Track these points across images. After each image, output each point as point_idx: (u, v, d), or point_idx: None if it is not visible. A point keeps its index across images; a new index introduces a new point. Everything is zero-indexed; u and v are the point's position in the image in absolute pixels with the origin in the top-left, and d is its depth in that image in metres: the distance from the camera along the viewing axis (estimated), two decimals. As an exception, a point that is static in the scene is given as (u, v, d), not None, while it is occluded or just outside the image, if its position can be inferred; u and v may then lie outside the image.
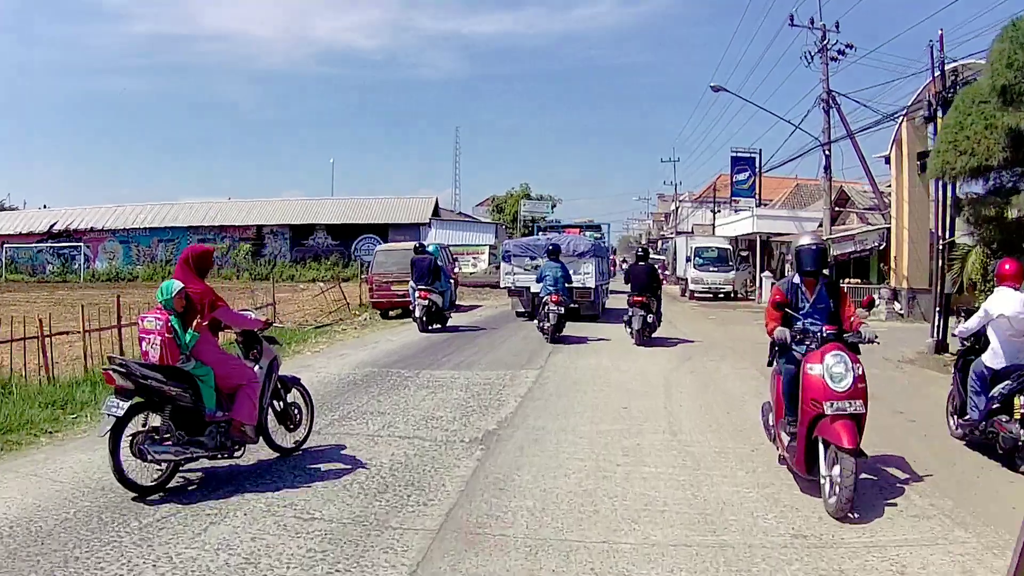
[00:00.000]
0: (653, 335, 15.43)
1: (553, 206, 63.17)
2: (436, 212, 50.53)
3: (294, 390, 6.87)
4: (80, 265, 50.77)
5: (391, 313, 23.00)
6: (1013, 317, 6.64)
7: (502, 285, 22.17)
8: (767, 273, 32.92)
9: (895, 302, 23.44)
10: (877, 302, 24.42)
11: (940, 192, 16.82)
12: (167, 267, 49.88)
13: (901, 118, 22.57)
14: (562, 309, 15.22)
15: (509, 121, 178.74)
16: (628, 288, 15.85)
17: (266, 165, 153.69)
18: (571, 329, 16.86)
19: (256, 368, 6.30)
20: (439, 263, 18.89)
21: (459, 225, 51.27)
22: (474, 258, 45.16)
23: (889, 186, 25.79)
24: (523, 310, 20.62)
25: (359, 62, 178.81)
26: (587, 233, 29.31)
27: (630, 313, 15.15)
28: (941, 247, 17.20)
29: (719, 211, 46.10)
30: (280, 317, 18.38)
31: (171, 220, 51.51)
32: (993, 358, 6.73)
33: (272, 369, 6.46)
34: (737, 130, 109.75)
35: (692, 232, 45.36)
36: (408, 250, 22.59)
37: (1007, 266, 7.02)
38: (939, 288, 17.28)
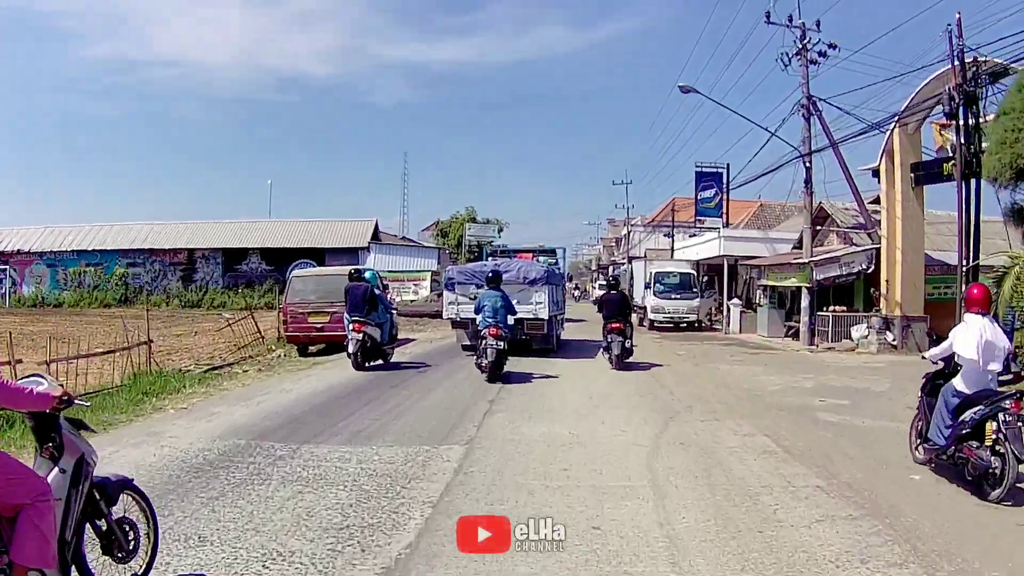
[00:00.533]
0: (628, 359, 15.59)
1: (500, 230, 61.24)
2: (376, 236, 47.57)
3: (124, 496, 4.40)
4: (7, 290, 47.58)
5: (311, 349, 19.68)
6: (979, 347, 6.37)
7: (444, 316, 19.48)
8: (735, 300, 30.09)
9: (887, 332, 20.92)
10: (867, 332, 21.94)
11: (963, 205, 14.28)
12: (95, 293, 46.65)
13: (893, 125, 20.16)
14: (502, 344, 13.34)
15: (458, 147, 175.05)
16: (601, 316, 16.35)
17: (211, 192, 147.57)
18: (522, 365, 14.88)
19: (53, 473, 3.88)
20: (376, 291, 16.30)
21: (400, 250, 48.50)
22: (415, 285, 41.98)
23: (874, 202, 23.38)
24: (468, 343, 17.96)
25: (310, 88, 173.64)
26: (540, 258, 26.30)
27: (608, 340, 15.55)
28: (965, 270, 14.62)
29: (677, 235, 43.44)
30: (157, 359, 14.73)
31: (99, 243, 48.53)
32: (964, 383, 6.54)
33: (82, 472, 4.00)
34: (696, 150, 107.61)
35: (646, 257, 42.23)
36: (330, 276, 19.93)
37: (975, 291, 6.90)
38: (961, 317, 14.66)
